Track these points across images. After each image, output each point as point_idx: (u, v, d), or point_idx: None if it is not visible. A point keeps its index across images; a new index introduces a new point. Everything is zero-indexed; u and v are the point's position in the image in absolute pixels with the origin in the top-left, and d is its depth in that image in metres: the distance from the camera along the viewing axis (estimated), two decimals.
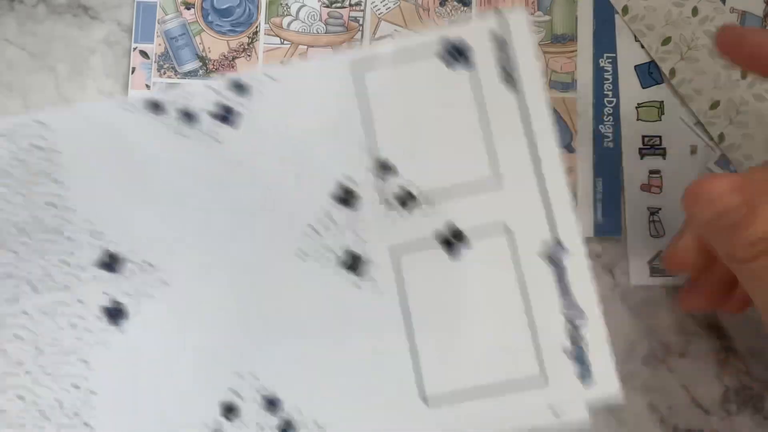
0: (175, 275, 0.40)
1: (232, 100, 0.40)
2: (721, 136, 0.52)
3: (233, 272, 0.40)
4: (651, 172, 0.53)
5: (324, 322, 0.39)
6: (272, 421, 0.38)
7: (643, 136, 0.53)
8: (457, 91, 0.39)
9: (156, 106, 0.40)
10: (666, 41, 0.53)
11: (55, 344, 0.40)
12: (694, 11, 0.53)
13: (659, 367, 0.52)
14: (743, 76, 0.52)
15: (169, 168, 0.40)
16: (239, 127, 0.40)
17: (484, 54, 0.39)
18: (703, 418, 0.52)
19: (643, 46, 0.53)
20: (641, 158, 0.53)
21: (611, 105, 0.53)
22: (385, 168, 0.39)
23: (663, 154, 0.53)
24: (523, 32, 0.39)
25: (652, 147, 0.53)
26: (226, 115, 0.40)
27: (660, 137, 0.53)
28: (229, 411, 0.39)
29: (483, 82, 0.39)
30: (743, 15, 0.53)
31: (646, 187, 0.52)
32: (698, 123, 0.53)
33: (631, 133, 0.53)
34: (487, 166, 0.39)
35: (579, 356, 0.38)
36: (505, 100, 0.39)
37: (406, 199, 0.39)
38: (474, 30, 0.39)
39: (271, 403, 0.39)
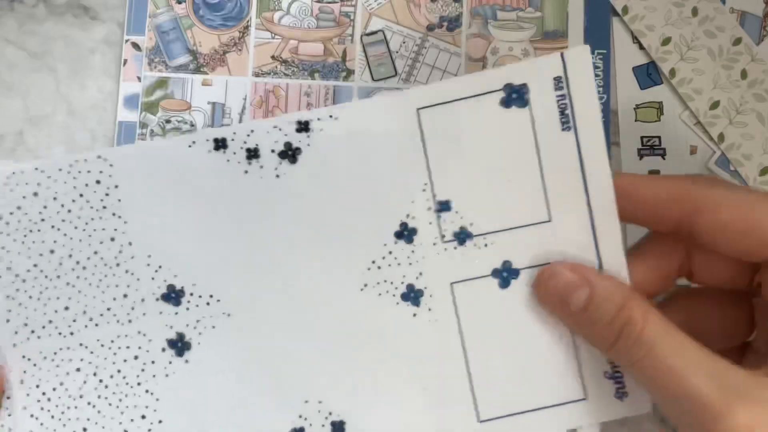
0: (237, 307, 0.41)
1: (293, 137, 0.40)
2: (721, 136, 0.52)
3: (294, 303, 0.41)
4: (650, 172, 0.54)
5: (384, 350, 0.41)
6: None
7: (642, 137, 0.53)
8: (512, 130, 0.40)
9: (221, 143, 0.40)
10: (666, 41, 0.53)
11: (118, 376, 0.41)
12: (694, 11, 0.53)
13: None
14: (743, 76, 0.52)
15: (230, 202, 0.41)
16: (298, 162, 0.41)
17: (541, 93, 0.39)
18: None
19: (642, 47, 0.53)
20: (640, 159, 0.53)
21: (602, 101, 0.54)
22: (444, 206, 0.41)
23: (663, 154, 0.53)
24: (585, 72, 0.39)
25: (651, 147, 0.53)
26: (286, 151, 0.41)
27: (659, 138, 0.53)
28: None
29: (538, 121, 0.40)
30: (743, 15, 0.53)
31: None
32: (698, 123, 0.53)
33: (630, 134, 0.53)
34: (543, 206, 0.40)
35: (617, 378, 0.41)
36: (561, 138, 0.40)
37: (464, 237, 0.41)
38: (537, 72, 0.39)
39: (338, 427, 0.41)
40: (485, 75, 0.40)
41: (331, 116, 0.40)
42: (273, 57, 0.55)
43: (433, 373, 0.41)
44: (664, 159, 0.54)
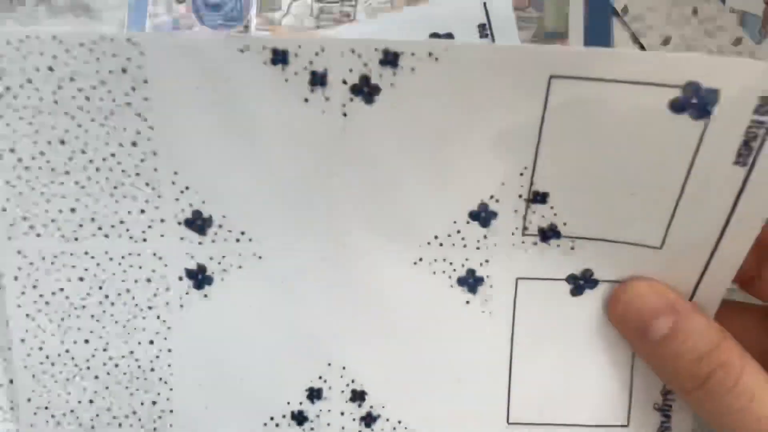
0: (271, 251, 0.36)
1: (375, 69, 0.32)
2: None
3: (335, 262, 0.36)
4: None
5: (426, 329, 0.37)
6: (356, 412, 0.38)
7: None
8: (669, 142, 0.32)
9: (281, 56, 0.32)
10: (666, 41, 0.52)
11: (126, 295, 0.36)
12: (694, 11, 0.52)
13: None
14: None
15: (280, 132, 0.33)
16: (374, 103, 0.33)
17: (734, 109, 0.30)
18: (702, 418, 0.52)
19: (642, 47, 0.53)
20: None
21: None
22: (539, 197, 0.34)
23: None
24: None
25: None
26: (362, 87, 0.33)
27: None
28: (315, 395, 0.38)
29: (709, 142, 0.31)
30: (743, 15, 0.53)
31: None
32: None
33: None
34: (660, 232, 0.34)
35: (665, 411, 0.38)
36: (728, 173, 0.31)
37: (551, 235, 0.35)
38: (740, 80, 0.30)
39: (358, 396, 0.38)
40: (664, 60, 0.30)
41: (430, 54, 0.32)
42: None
43: (472, 365, 0.37)
44: None
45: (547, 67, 0.31)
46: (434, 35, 0.35)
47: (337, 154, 0.34)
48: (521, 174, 0.34)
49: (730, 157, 0.31)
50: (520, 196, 0.34)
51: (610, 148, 0.32)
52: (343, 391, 0.37)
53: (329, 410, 0.38)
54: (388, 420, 0.38)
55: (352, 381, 0.37)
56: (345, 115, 0.33)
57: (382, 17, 0.38)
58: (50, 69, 0.33)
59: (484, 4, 0.36)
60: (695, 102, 0.30)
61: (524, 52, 0.31)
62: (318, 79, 0.33)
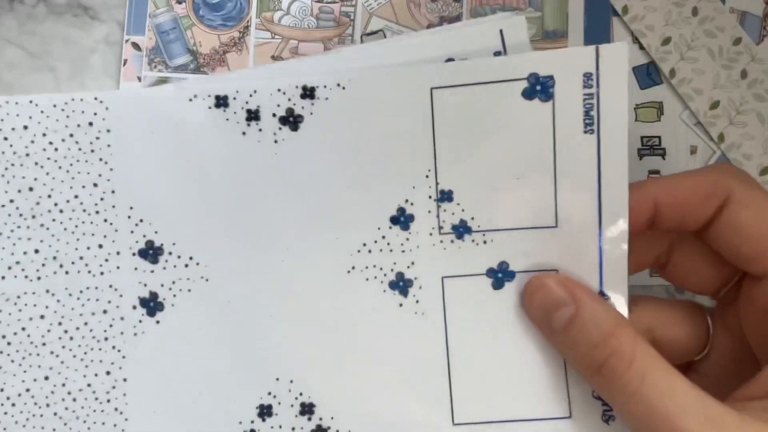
0: (217, 273, 0.39)
1: (297, 102, 0.39)
2: (721, 136, 0.52)
3: (276, 277, 0.39)
4: (650, 172, 0.54)
5: (366, 335, 0.39)
6: (306, 426, 0.39)
7: (642, 137, 0.53)
8: (530, 124, 0.38)
9: (223, 100, 0.39)
10: (666, 41, 0.52)
11: (84, 329, 0.39)
12: (694, 11, 0.52)
13: None
14: (743, 76, 0.52)
15: (223, 163, 0.39)
16: (299, 130, 0.39)
17: (568, 88, 0.37)
18: None
19: (642, 47, 0.53)
20: (640, 159, 0.53)
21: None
22: (446, 195, 0.39)
23: (663, 154, 0.53)
24: (619, 71, 0.37)
25: (651, 147, 0.53)
26: (288, 117, 0.39)
27: (659, 138, 0.53)
28: (265, 413, 0.39)
29: (560, 118, 0.38)
30: (743, 15, 0.53)
31: None
32: (698, 123, 0.52)
33: (630, 134, 0.53)
34: (550, 210, 0.38)
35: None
36: (581, 141, 0.37)
37: (463, 231, 0.39)
38: (566, 64, 0.37)
39: (307, 409, 0.39)
40: (510, 61, 0.38)
41: (338, 84, 0.38)
42: (273, 57, 0.54)
43: (413, 366, 0.39)
44: (664, 159, 0.53)
45: (427, 80, 0.38)
46: (449, 60, 0.39)
47: (272, 177, 0.39)
48: (426, 176, 0.39)
49: (579, 127, 0.37)
50: (430, 197, 0.39)
51: (490, 140, 0.38)
52: (292, 405, 0.39)
53: (280, 426, 0.39)
54: (338, 431, 0.39)
55: (300, 394, 0.39)
56: (276, 142, 0.39)
57: (398, 41, 0.41)
58: (25, 127, 0.38)
59: (501, 31, 0.39)
60: (539, 88, 0.37)
61: (407, 72, 0.38)
62: (253, 115, 0.39)
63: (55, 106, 0.38)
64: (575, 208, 0.38)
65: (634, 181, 0.38)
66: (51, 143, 0.38)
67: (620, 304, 0.38)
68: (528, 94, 0.38)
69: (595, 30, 0.54)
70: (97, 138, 0.38)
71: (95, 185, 0.39)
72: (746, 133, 0.52)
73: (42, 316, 0.39)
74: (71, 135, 0.38)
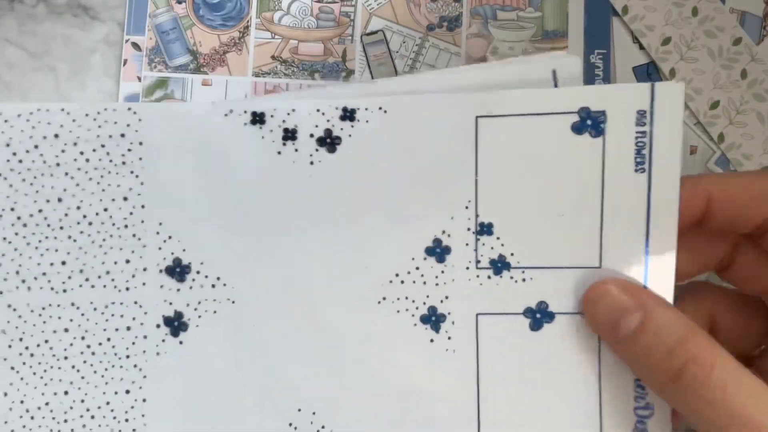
0: (244, 296, 0.38)
1: (336, 123, 0.37)
2: (721, 136, 0.52)
3: (305, 304, 0.38)
4: None
5: (393, 370, 0.38)
6: None
7: None
8: (579, 160, 0.37)
9: (259, 117, 0.37)
10: (666, 41, 0.52)
11: (107, 344, 0.38)
12: (694, 11, 0.52)
13: None
14: (743, 76, 0.52)
15: (255, 183, 0.38)
16: (336, 152, 0.38)
17: (620, 125, 0.36)
18: None
19: (642, 47, 0.53)
20: None
21: None
22: (485, 228, 0.38)
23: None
24: (675, 111, 0.35)
25: None
26: (325, 139, 0.38)
27: None
28: None
29: (610, 155, 0.36)
30: (743, 15, 0.53)
31: None
32: (698, 123, 0.52)
33: None
34: (595, 250, 0.37)
35: None
36: (632, 180, 0.36)
37: (501, 267, 0.38)
38: (619, 101, 0.36)
39: None
40: (560, 93, 0.36)
41: (380, 108, 0.37)
42: (273, 57, 0.54)
43: (441, 406, 0.38)
44: None
45: (473, 109, 0.37)
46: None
47: (305, 201, 0.38)
48: (467, 207, 0.37)
49: (630, 166, 0.36)
50: (469, 228, 0.38)
51: (534, 174, 0.37)
52: None
53: None
54: None
55: (322, 427, 0.38)
56: (311, 163, 0.37)
57: (444, 73, 0.40)
58: (56, 136, 0.37)
59: (554, 71, 0.37)
60: (590, 123, 0.36)
61: (454, 98, 0.37)
62: (289, 134, 0.37)
63: (87, 115, 0.37)
64: (621, 250, 0.37)
65: (688, 175, 0.37)
66: (82, 153, 0.37)
67: None
68: (578, 128, 0.36)
69: (595, 30, 0.54)
70: (129, 150, 0.38)
71: (125, 199, 0.38)
72: (746, 133, 0.52)
73: (66, 329, 0.38)
74: (103, 146, 0.37)
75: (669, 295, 0.36)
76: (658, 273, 0.36)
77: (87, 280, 0.38)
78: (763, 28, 0.53)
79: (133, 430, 0.38)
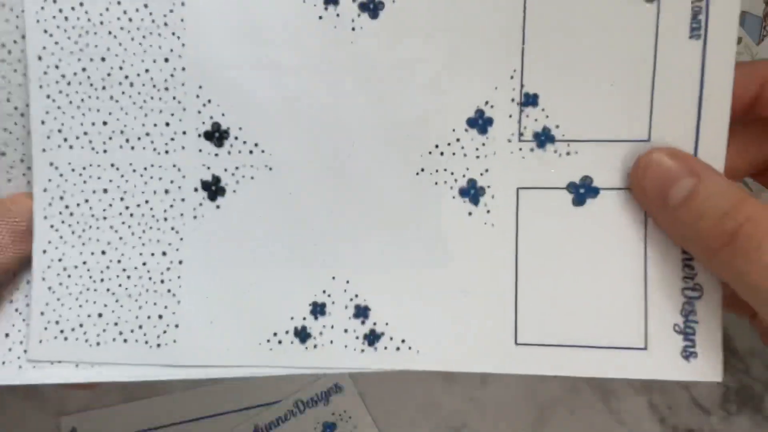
0: (282, 162, 0.38)
1: None
2: None
3: (343, 173, 0.38)
4: None
5: (430, 241, 0.37)
6: (359, 329, 0.38)
7: None
8: (631, 26, 0.35)
9: None
10: None
11: (145, 206, 0.38)
12: None
13: None
14: None
15: (295, 48, 0.37)
16: (379, 18, 0.37)
17: None
18: (703, 418, 0.52)
19: None
20: None
21: None
22: (530, 99, 0.36)
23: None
24: None
25: None
26: (368, 4, 0.37)
27: None
28: (318, 311, 0.38)
29: (664, 21, 0.35)
30: (743, 15, 0.53)
31: None
32: None
33: None
34: (644, 122, 0.36)
35: (688, 334, 0.36)
36: (686, 47, 0.35)
37: (545, 139, 0.37)
38: None
39: (361, 312, 0.38)
40: None
41: None
42: None
43: (478, 279, 0.37)
44: None
45: None
46: None
47: (346, 67, 0.37)
48: (511, 77, 0.36)
49: (685, 32, 0.34)
50: (513, 99, 0.37)
51: (585, 40, 0.36)
52: (346, 307, 0.38)
53: (332, 326, 0.38)
54: (391, 339, 0.37)
55: (356, 296, 0.38)
56: (353, 29, 0.37)
57: None
58: None
59: None
60: None
61: None
62: None
63: None
64: (672, 121, 0.35)
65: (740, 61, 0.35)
66: (125, 12, 0.37)
67: None
68: None
69: None
70: (171, 11, 0.37)
71: (166, 60, 0.37)
72: None
73: (105, 190, 0.38)
74: (146, 5, 0.37)
75: (720, 166, 0.35)
76: (710, 145, 0.35)
77: (127, 141, 0.38)
78: (763, 28, 0.52)
79: (169, 290, 0.38)
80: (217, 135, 0.38)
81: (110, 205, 0.38)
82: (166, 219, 0.38)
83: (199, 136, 0.38)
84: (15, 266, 0.38)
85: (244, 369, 0.38)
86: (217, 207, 0.38)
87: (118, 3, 0.37)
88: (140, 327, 0.38)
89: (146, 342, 0.38)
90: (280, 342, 0.38)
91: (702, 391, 0.52)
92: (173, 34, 0.37)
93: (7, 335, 0.38)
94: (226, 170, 0.38)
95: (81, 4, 0.37)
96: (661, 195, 0.34)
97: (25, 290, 0.38)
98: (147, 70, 0.38)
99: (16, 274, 0.38)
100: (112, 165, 0.38)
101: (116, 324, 0.38)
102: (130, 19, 0.37)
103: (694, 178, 0.33)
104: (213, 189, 0.38)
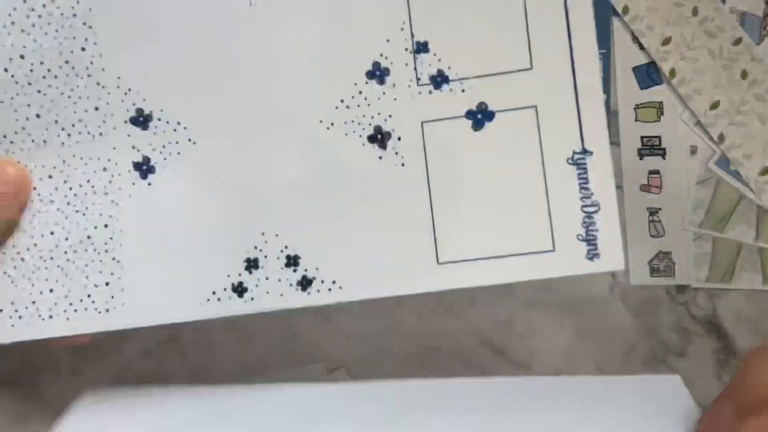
0: (203, 134, 0.40)
1: None
2: (721, 136, 0.52)
3: (259, 136, 0.40)
4: (650, 172, 0.54)
5: (346, 189, 0.40)
6: (292, 277, 0.40)
7: (642, 137, 0.53)
8: None
9: None
10: (666, 41, 0.53)
11: (87, 185, 0.41)
12: (694, 11, 0.53)
13: (659, 367, 0.53)
14: (743, 76, 0.52)
15: (198, 28, 0.40)
16: None
17: None
18: None
19: (642, 47, 0.53)
20: (640, 159, 0.53)
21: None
22: (422, 47, 0.39)
23: (663, 154, 0.53)
24: None
25: (651, 147, 0.53)
26: None
27: (660, 137, 0.53)
28: (252, 265, 0.40)
29: None
30: (743, 15, 0.53)
31: (645, 188, 0.53)
32: (698, 123, 0.53)
33: (630, 134, 0.53)
34: (525, 53, 0.39)
35: (590, 240, 0.39)
36: None
37: (441, 81, 0.39)
38: None
39: (292, 261, 0.40)
40: None
41: None
42: None
43: (396, 213, 0.40)
44: (664, 159, 0.53)
45: None
46: None
47: (249, 41, 0.40)
48: (402, 29, 0.39)
49: None
50: (406, 49, 0.39)
51: None
52: (278, 258, 0.40)
53: (267, 278, 0.40)
54: (323, 281, 0.40)
55: (285, 247, 0.40)
56: (251, 4, 0.40)
57: None
58: None
59: None
60: None
61: None
62: None
63: None
64: (548, 48, 0.38)
65: None
66: (33, 10, 0.40)
67: (604, 158, 0.38)
68: None
69: (596, 29, 0.55)
70: (78, 2, 0.40)
71: (83, 49, 0.40)
72: (746, 133, 0.53)
73: (50, 176, 0.41)
74: (52, 0, 0.40)
75: (597, 80, 0.38)
76: (584, 61, 0.38)
77: (63, 129, 0.41)
78: (763, 28, 0.53)
79: (113, 258, 0.41)
80: (141, 119, 0.40)
81: (56, 188, 0.41)
82: (106, 193, 0.41)
83: (125, 122, 0.40)
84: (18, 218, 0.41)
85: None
86: (149, 184, 0.41)
87: (24, 1, 0.40)
88: (89, 296, 0.41)
89: (96, 308, 0.41)
90: (219, 299, 0.40)
91: (702, 391, 0.50)
92: (84, 24, 0.40)
93: None
94: (154, 150, 0.41)
95: None
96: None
97: (11, 254, 0.41)
98: (67, 62, 0.40)
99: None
100: (53, 154, 0.41)
101: (66, 296, 0.41)
102: (40, 16, 0.40)
103: None
104: (144, 168, 0.41)
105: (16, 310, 0.41)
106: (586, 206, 0.39)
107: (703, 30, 0.53)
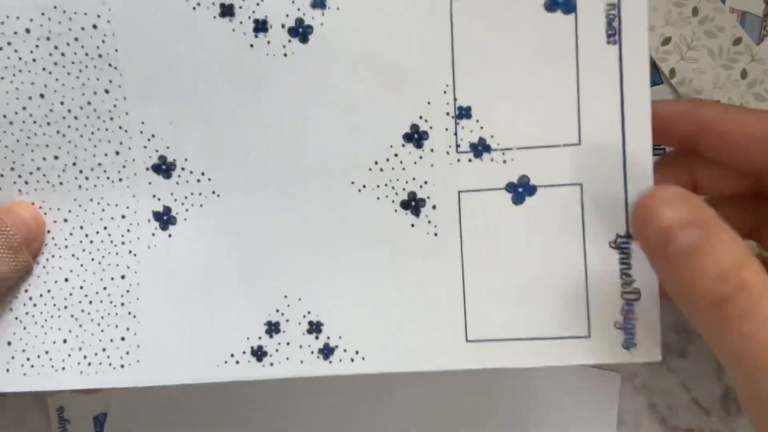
0: (228, 188, 0.39)
1: (307, 12, 0.37)
2: None
3: (287, 193, 0.39)
4: None
5: (375, 257, 0.38)
6: (314, 344, 0.39)
7: None
8: (553, 37, 0.36)
9: (228, 9, 0.37)
10: (666, 41, 0.53)
11: (104, 232, 0.39)
12: (694, 11, 0.53)
13: (659, 367, 0.53)
14: (743, 76, 0.52)
15: (231, 76, 0.38)
16: (309, 42, 0.37)
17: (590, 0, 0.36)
18: (703, 418, 0.53)
19: None
20: None
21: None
22: (464, 112, 0.37)
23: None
24: None
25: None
26: (297, 28, 0.37)
27: None
28: (273, 329, 0.39)
29: (582, 29, 0.36)
30: (743, 15, 0.53)
31: None
32: None
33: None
34: (573, 126, 0.37)
35: (628, 329, 0.37)
36: (605, 52, 0.36)
37: (482, 149, 0.37)
38: None
39: (315, 327, 0.39)
40: None
41: None
42: None
43: (426, 288, 0.38)
44: None
45: None
46: None
47: (282, 93, 0.38)
48: (444, 92, 0.37)
49: (602, 38, 0.36)
50: (447, 113, 0.37)
51: (512, 55, 0.36)
52: (300, 323, 0.39)
53: (288, 343, 0.39)
54: (345, 351, 0.39)
55: (308, 312, 0.39)
56: (285, 55, 0.37)
57: None
58: (27, 31, 0.38)
59: None
60: (560, 0, 0.36)
61: None
62: (260, 26, 0.37)
63: (55, 7, 0.38)
64: (599, 123, 0.36)
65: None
66: (56, 48, 0.38)
67: None
68: (550, 6, 0.36)
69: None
70: (103, 42, 0.38)
71: (107, 91, 0.38)
72: None
73: (65, 220, 0.39)
74: (76, 39, 0.38)
75: (648, 164, 0.36)
76: (636, 143, 0.36)
77: (81, 172, 0.39)
78: (763, 28, 0.53)
79: (129, 312, 0.39)
80: (164, 167, 0.39)
81: (71, 234, 0.39)
82: (123, 243, 0.39)
83: (147, 169, 0.39)
84: (13, 277, 0.39)
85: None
86: (169, 236, 0.39)
87: (48, 39, 0.38)
88: (104, 350, 0.39)
89: (110, 365, 0.39)
90: (237, 362, 0.39)
91: (702, 391, 0.52)
92: (110, 65, 0.38)
93: (9, 343, 0.40)
94: (175, 200, 0.39)
95: (9, 44, 0.38)
96: (663, 239, 0.32)
97: (24, 299, 0.40)
98: (89, 103, 0.38)
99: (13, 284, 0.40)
100: (69, 197, 0.39)
101: (80, 349, 0.39)
102: (63, 54, 0.38)
103: (703, 230, 0.31)
104: (164, 219, 0.39)
105: (28, 359, 0.39)
106: (627, 293, 0.37)
107: (703, 30, 0.53)
